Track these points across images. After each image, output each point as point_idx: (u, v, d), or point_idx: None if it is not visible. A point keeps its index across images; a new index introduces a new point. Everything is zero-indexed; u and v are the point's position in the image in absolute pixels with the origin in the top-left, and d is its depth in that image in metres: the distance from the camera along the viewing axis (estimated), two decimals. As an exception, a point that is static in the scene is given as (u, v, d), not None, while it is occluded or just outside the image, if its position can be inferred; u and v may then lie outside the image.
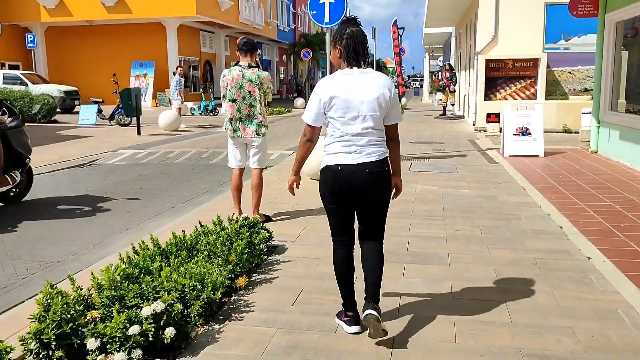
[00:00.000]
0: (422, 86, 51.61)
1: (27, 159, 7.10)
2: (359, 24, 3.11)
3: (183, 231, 4.42)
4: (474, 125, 16.15)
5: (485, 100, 15.71)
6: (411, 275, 4.15)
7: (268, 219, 5.73)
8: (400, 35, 23.97)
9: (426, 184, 7.65)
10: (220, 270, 3.78)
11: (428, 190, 7.28)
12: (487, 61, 15.60)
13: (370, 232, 3.14)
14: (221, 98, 5.66)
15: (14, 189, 7.06)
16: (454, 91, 21.07)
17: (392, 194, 3.18)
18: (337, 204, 3.08)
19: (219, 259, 4.01)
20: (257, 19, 36.23)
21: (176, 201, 7.29)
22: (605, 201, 6.55)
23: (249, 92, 5.41)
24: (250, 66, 5.47)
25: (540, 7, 15.44)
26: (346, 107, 2.95)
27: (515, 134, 10.46)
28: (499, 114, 14.85)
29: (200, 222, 4.78)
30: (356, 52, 3.00)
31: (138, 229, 5.96)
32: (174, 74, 18.57)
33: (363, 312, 2.98)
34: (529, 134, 10.42)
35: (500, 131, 15.11)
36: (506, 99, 15.76)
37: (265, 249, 4.52)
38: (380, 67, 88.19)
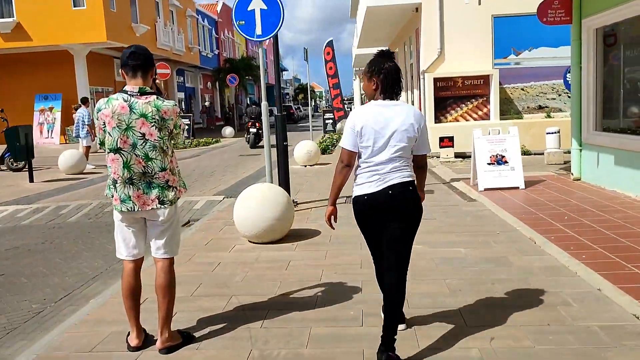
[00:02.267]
0: (351, 109, 50.63)
1: None
2: (394, 57, 3.26)
3: None
4: (424, 150, 14.53)
5: (435, 123, 14.18)
6: None
7: (189, 338, 3.55)
8: (334, 57, 22.37)
9: (405, 242, 5.73)
10: None
11: (414, 252, 5.32)
12: (435, 80, 14.12)
13: (391, 257, 3.19)
14: (98, 145, 3.46)
15: None
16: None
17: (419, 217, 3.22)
18: (368, 230, 3.28)
19: None
20: (177, 45, 33.82)
21: (50, 298, 4.92)
22: (654, 257, 4.85)
23: (142, 135, 3.27)
24: (143, 92, 3.32)
25: (488, 19, 14.20)
26: (376, 137, 3.10)
27: (489, 163, 8.80)
28: (452, 137, 13.36)
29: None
30: (393, 87, 3.17)
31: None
32: (76, 108, 15.89)
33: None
34: (506, 162, 8.78)
35: (457, 157, 13.64)
36: (458, 121, 14.31)
37: None
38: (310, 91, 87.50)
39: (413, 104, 17.32)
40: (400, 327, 3.38)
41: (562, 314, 3.73)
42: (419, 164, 3.30)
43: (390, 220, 3.12)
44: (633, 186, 7.43)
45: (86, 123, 14.73)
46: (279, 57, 7.92)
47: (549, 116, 14.34)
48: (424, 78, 14.32)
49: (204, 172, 13.43)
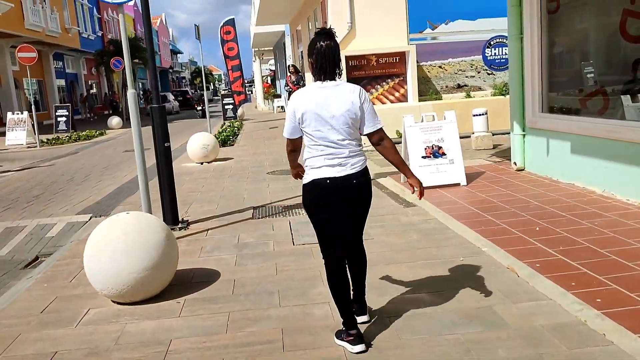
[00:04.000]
0: (252, 92, 48.34)
1: None
2: (333, 36, 3.06)
3: None
4: (338, 138, 12.93)
5: (349, 106, 12.57)
6: None
7: None
8: (236, 36, 20.10)
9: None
10: None
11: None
12: (347, 58, 12.47)
13: (355, 239, 3.26)
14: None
15: None
16: (303, 97, 17.74)
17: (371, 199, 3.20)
18: (327, 213, 3.07)
19: None
20: (50, 25, 29.84)
21: None
22: (690, 295, 3.45)
23: None
24: None
25: (400, -11, 12.72)
26: (318, 122, 2.97)
27: (424, 156, 7.28)
28: (369, 123, 11.79)
29: None
30: (325, 68, 3.00)
31: None
32: None
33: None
34: (443, 154, 7.30)
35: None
36: (374, 104, 12.75)
37: None
38: (207, 74, 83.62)
39: (321, 86, 15.65)
40: (363, 318, 3.41)
41: None
42: (376, 141, 3.11)
43: (349, 205, 3.08)
44: (600, 180, 6.18)
45: None
46: (150, 25, 5.87)
47: (468, 95, 13.22)
48: (333, 56, 12.62)
49: (75, 177, 10.93)
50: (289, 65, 17.38)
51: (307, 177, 3.06)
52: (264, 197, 7.52)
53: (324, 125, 2.96)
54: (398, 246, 4.94)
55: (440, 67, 13.24)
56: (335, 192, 3.00)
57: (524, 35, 7.47)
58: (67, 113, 23.69)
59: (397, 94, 12.83)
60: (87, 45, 37.35)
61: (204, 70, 20.47)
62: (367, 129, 3.05)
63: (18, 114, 19.97)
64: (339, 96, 2.96)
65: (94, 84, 42.67)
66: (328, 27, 3.12)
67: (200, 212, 6.83)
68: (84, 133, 21.52)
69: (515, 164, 7.86)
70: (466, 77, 13.37)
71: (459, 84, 13.36)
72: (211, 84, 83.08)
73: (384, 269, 4.35)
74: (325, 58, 2.99)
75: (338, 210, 3.06)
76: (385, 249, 4.87)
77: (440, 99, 13.08)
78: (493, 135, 10.78)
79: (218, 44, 20.73)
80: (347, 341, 3.08)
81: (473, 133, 10.67)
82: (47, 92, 33.26)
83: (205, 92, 17.16)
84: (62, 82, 36.51)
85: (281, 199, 7.25)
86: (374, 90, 12.75)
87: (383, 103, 12.77)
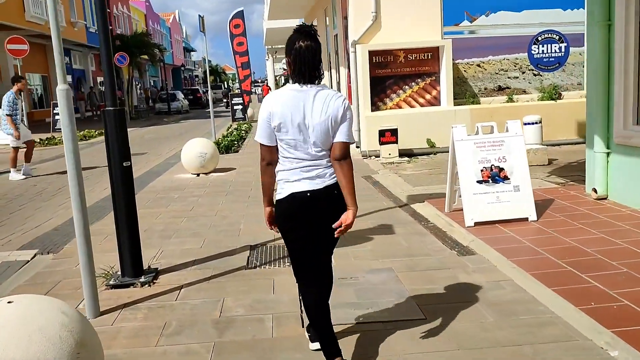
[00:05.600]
0: (255, 92, 46.68)
1: None
2: (314, 36, 2.70)
3: None
4: (357, 148, 11.16)
5: (372, 110, 10.78)
6: None
7: None
8: (245, 30, 18.40)
9: None
10: None
11: None
12: (371, 54, 10.67)
13: (326, 255, 2.89)
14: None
15: None
16: (318, 98, 15.95)
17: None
18: (306, 230, 2.74)
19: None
20: (53, 18, 28.33)
21: None
22: None
23: None
24: None
25: (435, -26, 10.90)
26: (294, 130, 2.64)
27: (480, 181, 5.45)
28: (395, 129, 10.07)
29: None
30: (303, 71, 2.66)
31: None
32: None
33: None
34: (505, 178, 5.47)
35: (402, 156, 10.33)
36: (400, 107, 10.99)
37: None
38: (219, 73, 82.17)
39: (339, 87, 13.85)
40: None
41: None
42: (341, 155, 2.68)
43: (325, 221, 2.71)
44: None
45: (6, 113, 9.99)
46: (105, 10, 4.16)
47: (510, 99, 11.35)
48: (354, 52, 10.84)
49: (47, 189, 9.20)
50: (303, 63, 15.67)
51: (283, 192, 2.75)
52: (265, 228, 5.73)
53: (302, 133, 2.66)
54: (469, 340, 3.13)
55: (478, 65, 11.37)
56: (314, 205, 2.70)
57: (613, 22, 5.63)
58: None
59: (428, 97, 10.99)
60: (95, 40, 35.74)
61: (209, 65, 18.74)
62: (342, 137, 2.69)
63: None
64: (322, 101, 2.65)
65: (102, 82, 41.29)
66: (312, 25, 2.81)
67: (179, 252, 5.06)
68: (81, 133, 19.94)
69: (595, 191, 6.00)
70: (508, 77, 11.49)
71: (499, 85, 11.48)
72: (224, 82, 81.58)
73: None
74: (303, 61, 2.66)
75: (317, 226, 2.75)
76: (450, 346, 3.06)
77: (479, 102, 11.22)
78: (548, 146, 8.95)
79: (229, 44, 19.10)
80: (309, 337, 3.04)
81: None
82: (52, 89, 31.82)
83: (209, 91, 15.33)
84: (69, 78, 35.08)
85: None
86: (400, 91, 10.93)
87: (411, 106, 10.95)
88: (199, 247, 5.20)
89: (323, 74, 2.78)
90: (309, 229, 2.73)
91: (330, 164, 2.70)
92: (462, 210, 5.42)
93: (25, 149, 10.57)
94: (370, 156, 10.44)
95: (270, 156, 2.74)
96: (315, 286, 2.82)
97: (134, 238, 4.26)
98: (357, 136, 11.09)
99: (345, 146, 2.70)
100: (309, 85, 2.66)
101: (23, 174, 10.37)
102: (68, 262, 4.90)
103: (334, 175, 2.70)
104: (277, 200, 2.77)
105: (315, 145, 2.66)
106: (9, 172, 10.45)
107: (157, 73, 55.37)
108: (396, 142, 10.07)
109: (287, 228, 2.78)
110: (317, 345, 2.96)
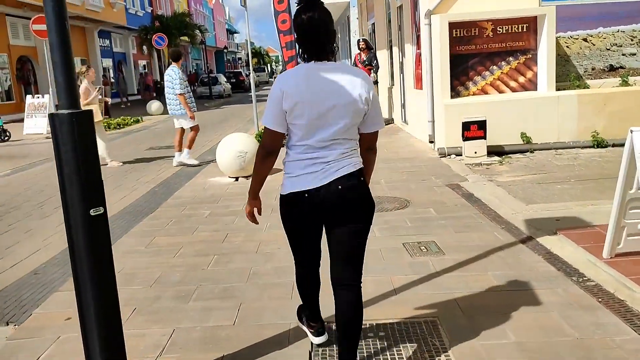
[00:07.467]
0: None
1: None
2: (316, 6, 2.33)
3: None
4: (431, 142, 9.06)
5: (452, 97, 8.66)
6: None
7: None
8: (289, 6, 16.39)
9: None
10: None
11: None
12: (451, 26, 8.52)
13: (345, 268, 2.46)
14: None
15: None
16: (376, 82, 13.78)
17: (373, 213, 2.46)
18: (303, 227, 2.51)
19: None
20: (91, -2, 27.13)
21: None
22: None
23: None
24: None
25: None
26: (310, 112, 2.28)
27: (682, 220, 3.35)
28: (484, 122, 7.97)
29: None
30: (307, 49, 2.35)
31: None
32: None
33: None
34: None
35: (490, 154, 8.20)
36: (487, 92, 8.82)
37: None
38: (262, 55, 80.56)
39: (402, 69, 11.72)
40: None
41: None
42: (369, 145, 2.52)
43: (338, 222, 2.40)
44: None
45: (178, 91, 8.92)
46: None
47: (625, 82, 9.00)
48: (428, 24, 8.71)
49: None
50: (358, 40, 13.59)
51: (283, 188, 2.44)
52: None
53: (317, 115, 2.28)
54: None
55: (585, 40, 9.05)
56: (314, 206, 2.36)
57: None
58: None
59: (522, 79, 8.77)
60: (135, 22, 34.60)
61: (252, 48, 16.84)
62: (373, 127, 2.43)
63: (38, 97, 17.09)
64: (342, 80, 2.30)
65: (144, 64, 40.11)
66: None
67: (199, 338, 3.19)
68: (115, 120, 18.52)
69: None
70: (623, 54, 9.12)
71: (611, 64, 9.13)
72: (268, 65, 79.96)
73: None
74: (307, 36, 2.32)
75: (318, 224, 2.47)
76: None
77: (586, 86, 8.93)
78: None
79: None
80: (310, 332, 2.92)
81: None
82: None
83: (252, 73, 13.46)
84: (109, 61, 34.02)
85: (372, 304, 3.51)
86: (487, 72, 8.75)
87: (500, 92, 8.76)
88: (231, 325, 3.31)
89: (336, 48, 2.37)
90: (307, 224, 2.48)
91: (341, 157, 2.34)
92: (629, 256, 3.35)
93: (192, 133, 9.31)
94: (449, 154, 8.35)
95: (273, 144, 2.41)
96: (340, 286, 2.49)
97: (112, 339, 2.39)
98: (431, 129, 9.00)
99: (374, 136, 2.49)
100: (328, 62, 2.34)
101: (181, 161, 9.31)
102: (30, 344, 3.11)
103: (342, 168, 2.33)
104: (280, 195, 2.47)
105: (332, 133, 2.31)
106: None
107: (200, 56, 54.08)
108: (484, 137, 7.95)
109: (283, 218, 2.53)
110: (322, 339, 2.84)
